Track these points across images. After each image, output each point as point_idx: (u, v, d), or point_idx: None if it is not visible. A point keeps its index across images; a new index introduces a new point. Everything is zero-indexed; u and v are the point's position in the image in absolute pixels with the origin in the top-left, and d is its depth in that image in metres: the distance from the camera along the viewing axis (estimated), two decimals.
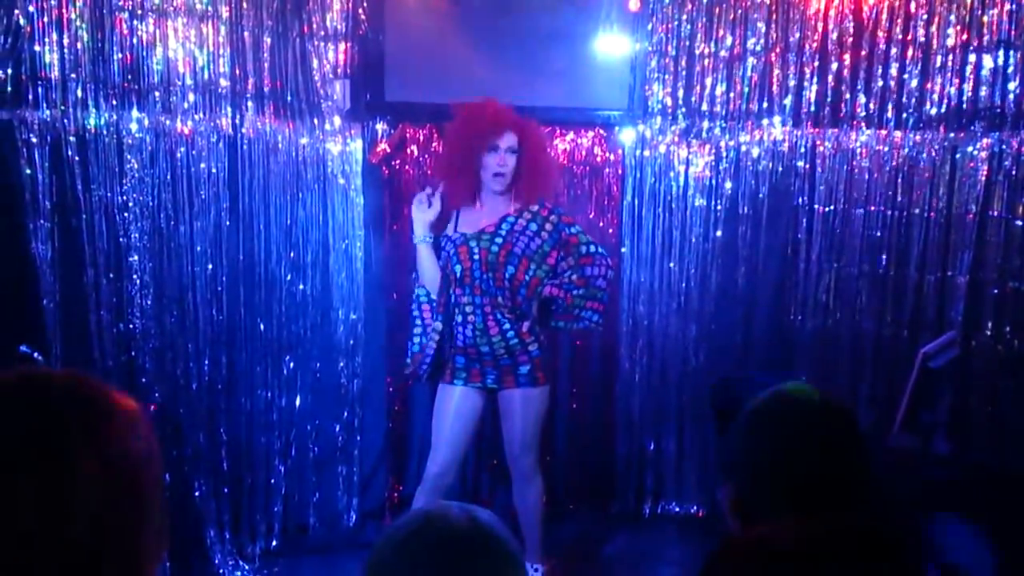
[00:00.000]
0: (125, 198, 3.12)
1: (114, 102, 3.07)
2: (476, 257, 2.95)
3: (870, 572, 1.28)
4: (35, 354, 2.95)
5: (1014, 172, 3.42)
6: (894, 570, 1.28)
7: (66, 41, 2.94)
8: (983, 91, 3.42)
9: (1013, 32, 3.36)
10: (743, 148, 3.69)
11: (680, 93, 3.65)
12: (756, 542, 1.39)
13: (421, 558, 1.01)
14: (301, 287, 3.48)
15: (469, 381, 3.00)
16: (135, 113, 3.12)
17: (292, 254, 3.45)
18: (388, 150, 3.60)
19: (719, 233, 3.74)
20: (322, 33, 3.41)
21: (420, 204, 3.05)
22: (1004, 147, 3.43)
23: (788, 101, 3.61)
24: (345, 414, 3.64)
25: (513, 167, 2.95)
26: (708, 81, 3.63)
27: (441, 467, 2.99)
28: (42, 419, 0.83)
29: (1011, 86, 3.38)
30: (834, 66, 3.56)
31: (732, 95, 3.63)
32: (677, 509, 3.93)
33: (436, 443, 3.02)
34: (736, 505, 1.43)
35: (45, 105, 2.94)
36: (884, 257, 3.63)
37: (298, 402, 3.53)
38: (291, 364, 3.50)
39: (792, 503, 1.36)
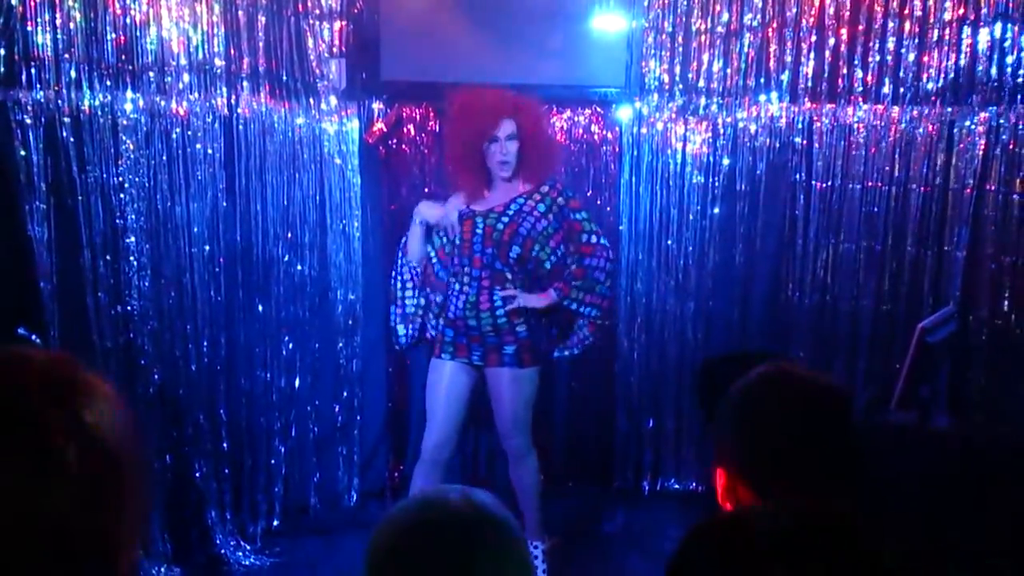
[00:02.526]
0: (121, 179, 3.10)
1: (108, 82, 3.04)
2: (479, 231, 2.95)
3: (842, 563, 1.29)
4: (33, 336, 2.95)
5: (1011, 146, 3.41)
6: (866, 562, 1.29)
7: (59, 21, 2.91)
8: (980, 65, 3.42)
9: (1011, 5, 3.34)
10: (740, 124, 3.68)
11: (677, 70, 3.64)
12: (729, 527, 1.40)
13: (423, 544, 1.01)
14: (299, 268, 3.48)
15: (456, 355, 3.01)
16: (129, 94, 3.09)
17: (289, 235, 3.45)
18: (384, 129, 3.58)
19: (717, 210, 3.74)
20: (317, 12, 3.39)
21: (430, 204, 3.08)
22: (1002, 121, 3.42)
23: (785, 77, 3.60)
24: (344, 394, 3.65)
25: (516, 153, 2.94)
26: (705, 57, 3.62)
27: (437, 441, 3.01)
28: (18, 400, 0.81)
29: (1008, 60, 3.37)
30: (831, 41, 3.54)
31: (729, 71, 3.61)
32: (676, 485, 3.95)
33: (431, 417, 3.04)
34: (728, 486, 1.42)
35: (39, 86, 2.92)
36: (882, 232, 3.63)
37: (297, 383, 3.53)
38: (290, 345, 3.50)
39: (782, 484, 1.36)
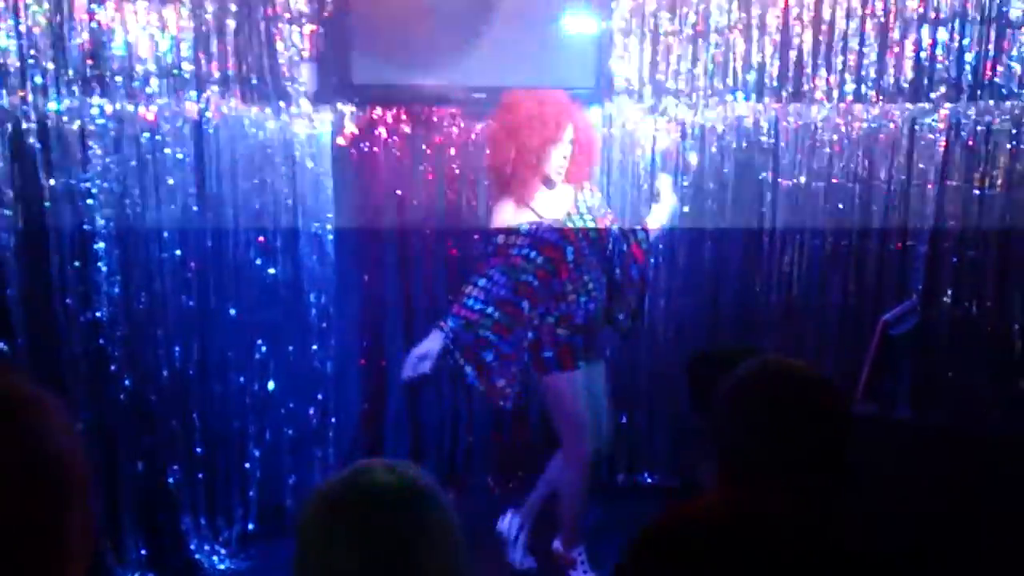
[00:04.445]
0: (89, 185, 3.08)
1: (75, 88, 3.02)
2: (580, 236, 3.01)
3: (782, 557, 1.31)
4: (0, 344, 2.92)
5: (971, 142, 3.49)
6: (810, 555, 1.32)
7: (24, 26, 2.88)
8: (940, 63, 3.49)
9: (968, 4, 3.42)
10: (708, 124, 3.73)
11: (645, 71, 3.68)
12: (682, 521, 1.42)
13: (348, 514, 1.03)
14: (271, 271, 3.47)
15: (585, 359, 3.05)
16: (97, 99, 3.06)
17: (262, 239, 3.43)
18: (356, 133, 3.59)
19: (686, 209, 3.78)
20: (287, 15, 3.38)
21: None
22: (961, 118, 3.50)
23: (751, 77, 3.65)
24: (319, 396, 3.64)
25: (570, 157, 3.00)
26: (673, 58, 3.67)
27: (590, 447, 3.06)
28: None
29: (967, 57, 3.45)
30: (796, 41, 3.60)
31: (696, 72, 3.67)
32: (650, 480, 3.99)
33: (581, 430, 3.03)
34: (722, 477, 1.45)
35: (4, 92, 2.88)
36: (847, 229, 3.70)
37: (271, 386, 3.52)
38: (263, 348, 3.48)
39: (775, 476, 1.38)
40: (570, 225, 3.00)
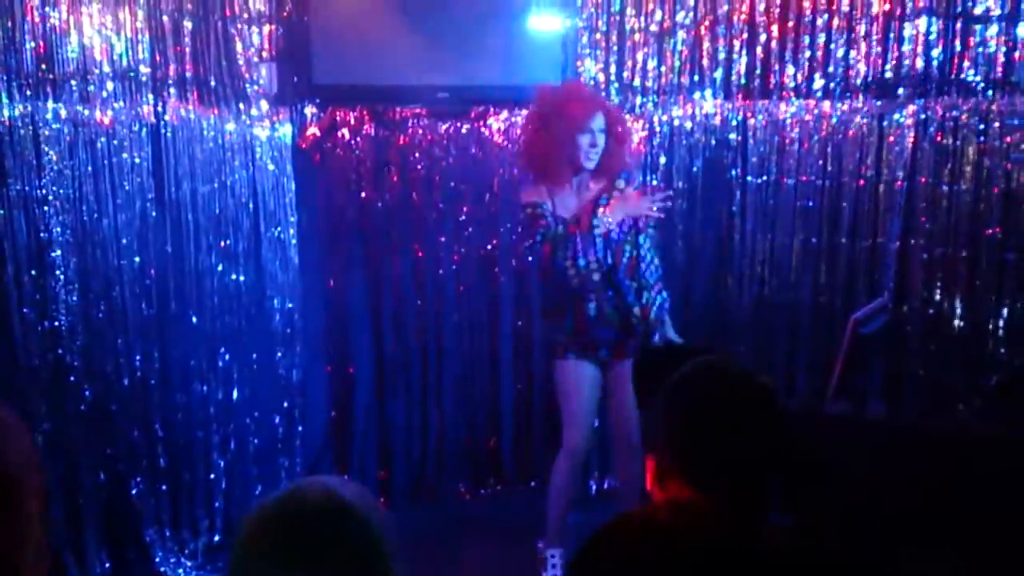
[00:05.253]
0: (44, 191, 3.05)
1: (28, 92, 3.00)
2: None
3: (722, 561, 1.31)
4: None
5: (938, 138, 3.47)
6: (749, 559, 1.32)
7: None
8: (907, 59, 3.47)
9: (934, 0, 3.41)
10: (676, 122, 3.71)
11: (612, 68, 3.66)
12: (618, 528, 1.42)
13: (274, 531, 1.03)
14: (233, 277, 3.41)
15: (582, 356, 3.05)
16: (51, 104, 3.04)
17: (223, 244, 3.38)
18: (318, 134, 3.54)
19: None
20: (245, 16, 3.33)
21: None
22: (929, 114, 3.48)
23: (719, 74, 3.63)
24: (285, 405, 3.58)
25: (603, 146, 3.00)
26: (639, 56, 3.64)
27: (588, 439, 3.12)
28: None
29: (934, 53, 3.43)
30: (763, 37, 3.58)
31: (663, 69, 3.65)
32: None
33: (574, 423, 3.07)
34: (657, 475, 1.44)
35: None
36: (817, 226, 3.68)
37: (235, 395, 3.46)
38: (226, 356, 3.43)
39: (709, 474, 1.37)
40: None
